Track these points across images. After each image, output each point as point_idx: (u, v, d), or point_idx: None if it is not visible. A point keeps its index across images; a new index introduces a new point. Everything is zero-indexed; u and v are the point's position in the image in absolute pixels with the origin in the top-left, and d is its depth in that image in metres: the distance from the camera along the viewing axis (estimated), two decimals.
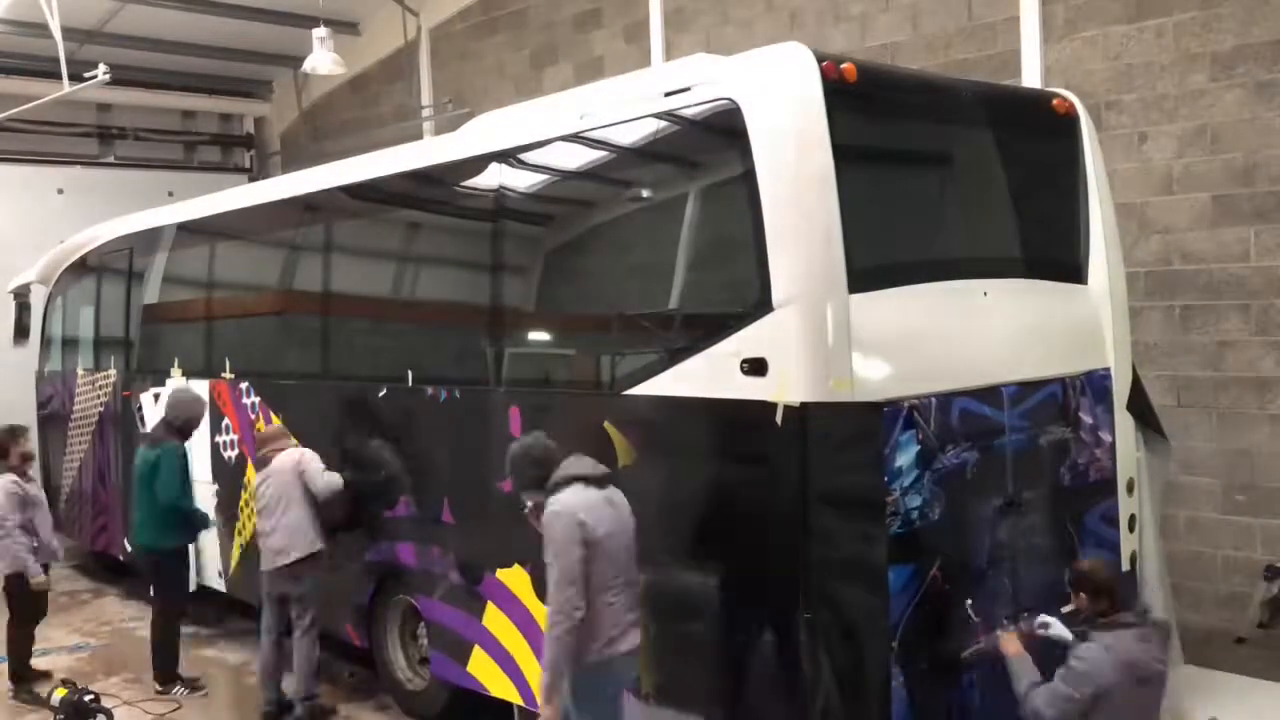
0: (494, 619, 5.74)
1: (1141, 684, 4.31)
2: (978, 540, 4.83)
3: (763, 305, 4.38)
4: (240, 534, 8.05)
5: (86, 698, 6.61)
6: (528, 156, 5.73)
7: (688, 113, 4.82)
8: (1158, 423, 5.95)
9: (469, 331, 6.14)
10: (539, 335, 5.92)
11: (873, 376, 4.43)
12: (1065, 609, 4.59)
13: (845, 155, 4.41)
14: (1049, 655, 4.52)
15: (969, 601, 4.70)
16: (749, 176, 4.42)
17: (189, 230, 9.03)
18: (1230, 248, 7.36)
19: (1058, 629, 4.63)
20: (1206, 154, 7.43)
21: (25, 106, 11.66)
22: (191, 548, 8.11)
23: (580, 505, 4.38)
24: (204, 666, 7.78)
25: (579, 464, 4.53)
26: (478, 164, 6.01)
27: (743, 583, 4.56)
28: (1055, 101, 5.61)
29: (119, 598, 9.79)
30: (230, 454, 8.10)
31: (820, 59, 4.46)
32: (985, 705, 4.85)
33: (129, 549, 9.19)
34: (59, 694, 6.67)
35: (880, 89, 4.89)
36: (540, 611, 5.43)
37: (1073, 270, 5.53)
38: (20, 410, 11.81)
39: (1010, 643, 4.56)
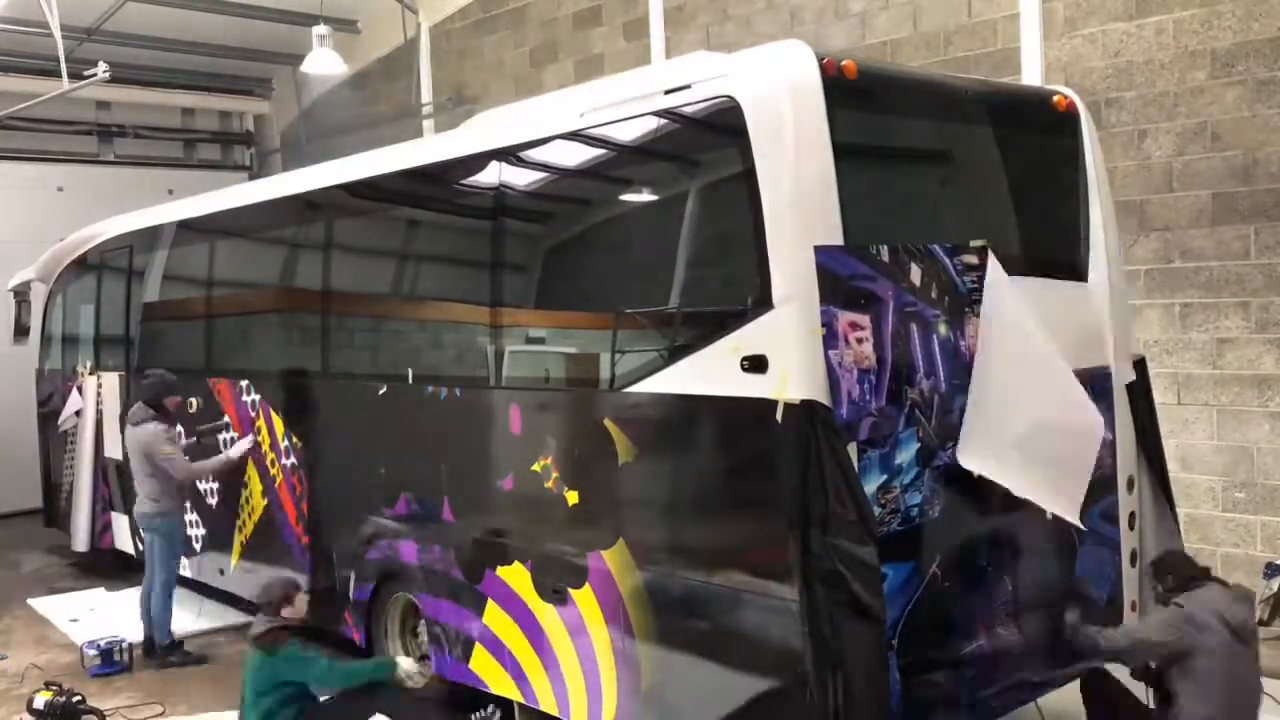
0: (494, 616, 5.75)
1: (1239, 640, 4.58)
2: (978, 537, 4.84)
3: (763, 303, 4.37)
4: (241, 531, 8.06)
5: (74, 699, 6.45)
6: (527, 154, 5.72)
7: (688, 110, 4.81)
8: (1169, 492, 5.79)
9: (469, 329, 6.13)
10: (539, 333, 5.91)
11: None
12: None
13: (845, 153, 4.41)
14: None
15: None
16: (749, 174, 4.42)
17: (189, 228, 9.02)
18: (1230, 245, 7.37)
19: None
20: (1206, 151, 7.43)
21: (25, 104, 11.66)
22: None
23: None
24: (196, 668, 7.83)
25: None
26: (478, 161, 6.00)
27: (741, 579, 4.56)
28: (1055, 99, 5.60)
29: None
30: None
31: (820, 57, 4.45)
32: (985, 702, 4.86)
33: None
34: (43, 696, 6.40)
35: (880, 86, 4.88)
36: (539, 609, 5.45)
37: (1073, 267, 5.53)
38: (18, 408, 11.96)
39: None
